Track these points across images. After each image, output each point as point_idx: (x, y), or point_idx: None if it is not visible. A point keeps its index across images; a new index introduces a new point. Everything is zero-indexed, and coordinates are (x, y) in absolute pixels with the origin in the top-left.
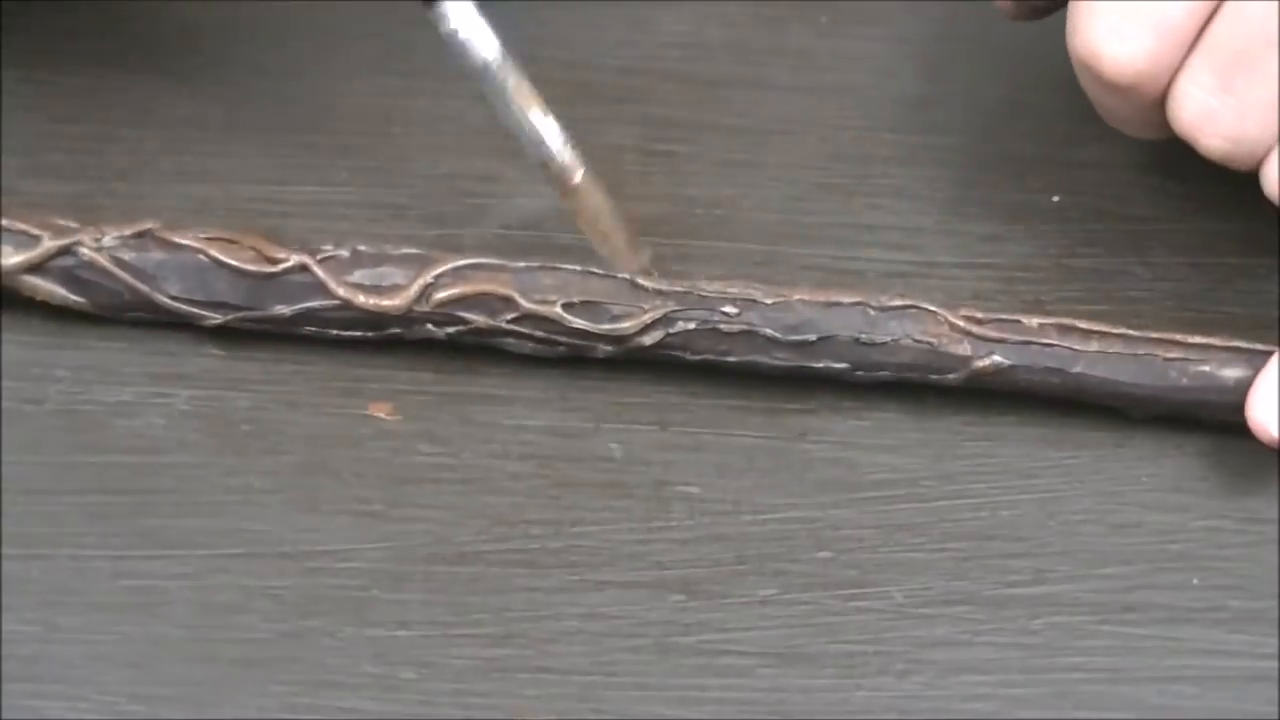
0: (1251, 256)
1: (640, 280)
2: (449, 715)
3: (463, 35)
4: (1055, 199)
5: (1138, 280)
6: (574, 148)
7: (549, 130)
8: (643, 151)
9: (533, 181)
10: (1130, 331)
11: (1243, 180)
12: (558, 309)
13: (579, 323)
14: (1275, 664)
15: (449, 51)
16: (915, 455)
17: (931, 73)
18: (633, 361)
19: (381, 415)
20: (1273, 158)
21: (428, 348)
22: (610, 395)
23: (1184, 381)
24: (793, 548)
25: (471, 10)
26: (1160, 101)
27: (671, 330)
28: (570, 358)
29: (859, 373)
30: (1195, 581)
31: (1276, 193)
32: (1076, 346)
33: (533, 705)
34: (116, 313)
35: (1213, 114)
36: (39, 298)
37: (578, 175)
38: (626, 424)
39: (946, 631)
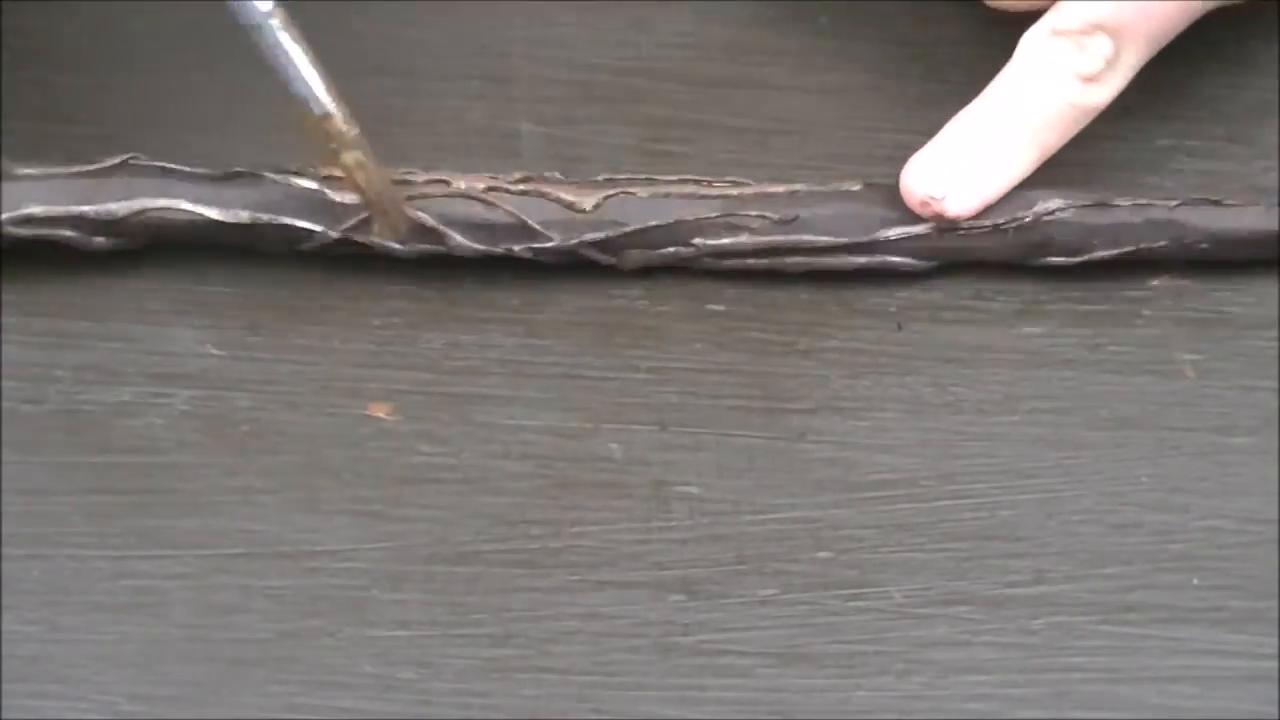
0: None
1: (396, 245)
2: (449, 715)
3: None
4: None
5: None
6: (341, 106)
7: (318, 88)
8: (643, 151)
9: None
10: None
11: (1242, 180)
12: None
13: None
14: (1275, 664)
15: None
16: (915, 455)
17: (931, 73)
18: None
19: (381, 415)
20: None
21: (426, 347)
22: (610, 395)
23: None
24: (793, 548)
25: None
26: None
27: None
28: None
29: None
30: (1195, 581)
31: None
32: None
33: (533, 705)
34: None
35: None
36: None
37: (346, 133)
38: (626, 424)
39: (946, 631)
